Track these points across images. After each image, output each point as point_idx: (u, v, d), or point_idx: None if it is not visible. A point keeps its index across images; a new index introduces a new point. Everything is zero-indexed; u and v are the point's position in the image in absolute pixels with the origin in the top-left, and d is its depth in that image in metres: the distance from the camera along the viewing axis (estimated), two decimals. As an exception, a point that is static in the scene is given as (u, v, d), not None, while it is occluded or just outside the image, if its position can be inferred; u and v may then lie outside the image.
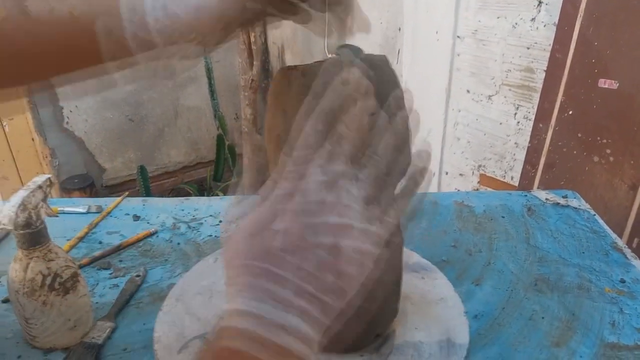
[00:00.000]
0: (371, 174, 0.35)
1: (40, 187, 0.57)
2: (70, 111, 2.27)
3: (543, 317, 0.61)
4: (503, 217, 0.82)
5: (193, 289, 0.65)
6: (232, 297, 0.31)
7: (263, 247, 0.31)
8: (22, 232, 0.53)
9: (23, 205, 0.53)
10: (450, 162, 1.64)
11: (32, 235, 0.54)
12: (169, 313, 0.60)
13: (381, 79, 0.44)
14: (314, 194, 0.32)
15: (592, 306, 0.62)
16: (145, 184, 2.23)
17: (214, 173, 2.58)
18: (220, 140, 2.49)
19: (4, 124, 2.13)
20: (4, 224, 0.52)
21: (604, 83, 1.04)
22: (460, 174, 1.61)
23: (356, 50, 0.44)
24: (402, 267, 0.56)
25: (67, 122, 2.28)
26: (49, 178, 0.59)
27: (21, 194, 0.55)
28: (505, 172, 1.45)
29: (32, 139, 2.22)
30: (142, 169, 2.21)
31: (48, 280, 0.54)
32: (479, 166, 1.53)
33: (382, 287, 0.51)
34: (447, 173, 1.67)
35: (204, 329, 0.57)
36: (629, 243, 1.03)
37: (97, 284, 0.69)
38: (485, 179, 1.53)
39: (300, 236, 0.31)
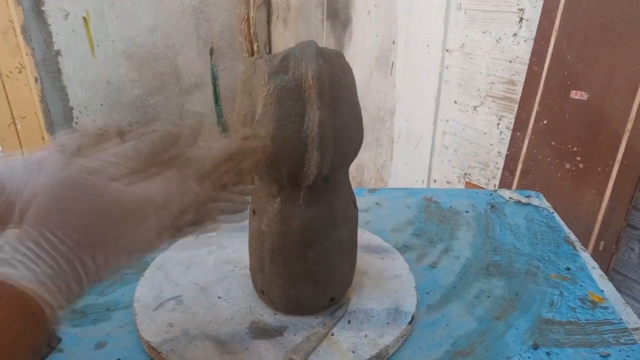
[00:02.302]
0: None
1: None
2: (80, 112, 2.37)
3: (488, 296, 0.66)
4: (467, 211, 0.88)
5: (173, 260, 0.71)
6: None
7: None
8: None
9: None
10: (438, 170, 1.70)
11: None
12: (150, 279, 0.67)
13: (332, 68, 0.51)
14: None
15: (535, 289, 0.68)
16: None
17: (215, 177, 2.66)
18: (222, 145, 2.58)
19: (17, 122, 2.23)
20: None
21: (576, 94, 1.10)
22: (447, 182, 1.67)
23: (313, 44, 0.51)
24: (356, 239, 0.62)
25: (77, 123, 2.38)
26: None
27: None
28: (489, 180, 1.51)
29: (43, 138, 2.31)
30: (145, 170, 2.30)
31: (42, 242, 0.61)
32: (465, 174, 1.59)
33: (336, 254, 0.58)
34: (435, 181, 1.73)
35: (179, 292, 0.64)
36: (595, 245, 1.09)
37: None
38: (470, 187, 1.58)
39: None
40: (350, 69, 0.56)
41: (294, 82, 0.50)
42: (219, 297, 0.63)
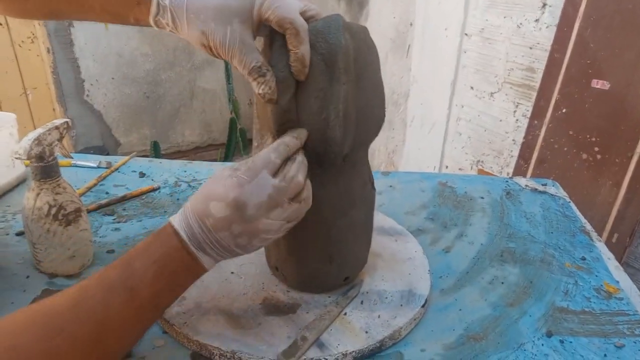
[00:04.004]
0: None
1: (57, 127, 0.63)
2: (91, 84, 2.36)
3: (502, 282, 0.66)
4: (482, 197, 0.87)
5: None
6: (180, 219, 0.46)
7: (203, 212, 0.44)
8: (35, 164, 0.60)
9: (38, 140, 0.59)
10: (450, 156, 1.69)
11: (44, 169, 0.60)
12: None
13: (358, 44, 0.50)
14: (251, 207, 0.44)
15: (550, 277, 0.67)
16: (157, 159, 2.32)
17: (224, 155, 2.66)
18: (232, 123, 2.57)
19: (28, 92, 2.23)
20: (19, 154, 0.58)
21: (597, 83, 1.08)
22: (460, 169, 1.66)
23: (339, 18, 0.50)
24: (373, 220, 0.61)
25: (87, 95, 2.37)
26: (67, 121, 0.65)
27: (38, 131, 0.61)
28: (502, 168, 1.49)
29: (54, 109, 2.31)
30: (155, 145, 2.30)
31: (53, 211, 0.61)
32: (478, 161, 1.57)
33: (352, 233, 0.57)
34: (447, 167, 1.71)
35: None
36: (609, 237, 1.07)
37: (101, 226, 0.75)
38: (482, 175, 1.57)
39: (228, 225, 0.44)
40: (375, 46, 0.54)
41: (319, 56, 0.48)
42: (232, 273, 0.63)
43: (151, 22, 0.49)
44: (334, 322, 0.55)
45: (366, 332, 0.54)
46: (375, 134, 0.55)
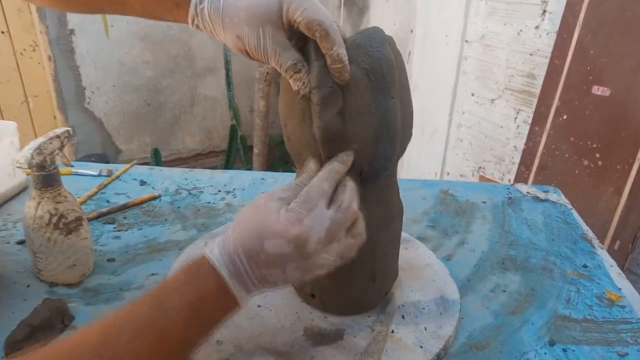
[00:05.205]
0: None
1: (58, 136, 0.63)
2: (92, 92, 2.37)
3: (504, 290, 0.65)
4: (484, 202, 0.87)
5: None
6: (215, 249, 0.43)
7: (254, 249, 0.42)
8: (36, 173, 0.60)
9: (39, 149, 0.59)
10: (452, 163, 1.69)
11: (45, 178, 0.60)
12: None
13: (397, 55, 0.49)
14: (311, 243, 0.42)
15: (552, 285, 0.67)
16: (158, 166, 2.33)
17: (225, 162, 2.66)
18: (233, 130, 2.57)
19: (29, 99, 2.24)
20: (20, 163, 0.58)
21: (597, 90, 1.08)
22: (461, 175, 1.65)
23: (379, 31, 0.49)
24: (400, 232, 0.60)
25: (89, 103, 2.38)
26: (68, 130, 0.65)
27: (40, 140, 0.61)
28: (504, 175, 1.49)
29: (54, 117, 2.32)
30: (155, 152, 2.30)
31: (54, 220, 0.61)
32: (479, 168, 1.57)
33: (392, 247, 0.57)
34: (448, 173, 1.71)
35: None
36: (611, 244, 1.07)
37: (102, 235, 0.75)
38: (484, 181, 1.57)
39: (284, 262, 0.42)
40: (401, 55, 0.53)
41: (361, 71, 0.46)
42: (259, 306, 0.58)
43: (191, 25, 0.49)
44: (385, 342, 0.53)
45: (420, 347, 0.52)
46: (409, 142, 0.54)
